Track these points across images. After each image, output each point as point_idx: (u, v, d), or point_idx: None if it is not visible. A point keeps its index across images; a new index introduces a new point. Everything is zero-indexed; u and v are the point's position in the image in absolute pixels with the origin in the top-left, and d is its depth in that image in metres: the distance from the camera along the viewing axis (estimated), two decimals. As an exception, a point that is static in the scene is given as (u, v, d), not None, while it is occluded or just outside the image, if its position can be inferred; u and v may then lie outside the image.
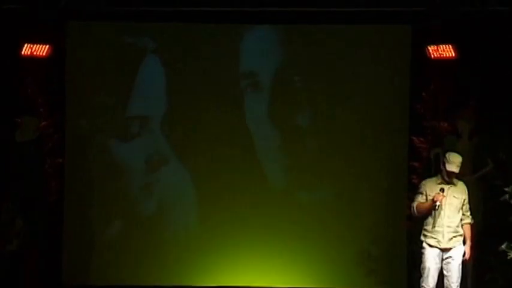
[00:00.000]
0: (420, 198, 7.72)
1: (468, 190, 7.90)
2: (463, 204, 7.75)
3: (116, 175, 9.51)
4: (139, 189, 9.53)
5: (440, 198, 7.50)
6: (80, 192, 9.45)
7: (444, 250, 7.68)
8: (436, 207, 7.54)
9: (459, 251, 7.72)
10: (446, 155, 7.65)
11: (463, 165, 7.83)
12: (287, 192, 9.52)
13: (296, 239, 9.37)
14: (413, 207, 7.73)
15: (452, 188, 7.67)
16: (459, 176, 7.86)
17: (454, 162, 7.56)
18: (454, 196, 7.66)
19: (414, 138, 9.31)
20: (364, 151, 9.48)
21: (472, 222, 7.83)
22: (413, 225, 8.50)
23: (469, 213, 7.81)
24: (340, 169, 9.48)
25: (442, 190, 7.55)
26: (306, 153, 9.52)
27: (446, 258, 7.68)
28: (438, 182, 7.70)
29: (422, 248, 7.73)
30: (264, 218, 9.38)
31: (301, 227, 9.37)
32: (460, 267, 7.69)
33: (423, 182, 7.85)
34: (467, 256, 7.75)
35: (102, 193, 9.48)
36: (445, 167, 7.59)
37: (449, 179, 7.63)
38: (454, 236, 7.68)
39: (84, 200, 9.44)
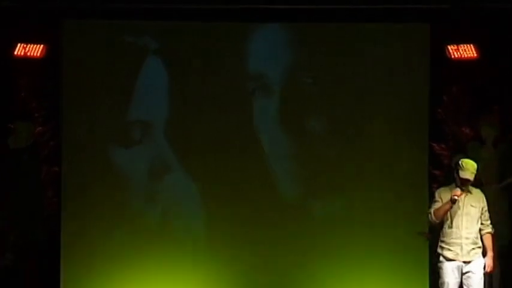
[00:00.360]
0: (436, 206, 7.46)
1: (493, 200, 7.72)
2: (481, 213, 7.48)
3: (116, 184, 9.31)
4: (142, 199, 9.33)
5: (459, 193, 7.27)
6: (78, 203, 9.23)
7: (463, 263, 7.42)
8: (455, 202, 7.29)
9: (479, 264, 7.45)
10: (460, 162, 7.39)
11: (487, 174, 7.90)
12: (299, 202, 9.28)
13: (308, 252, 9.15)
14: (430, 214, 7.46)
15: (469, 196, 7.42)
16: (486, 186, 7.83)
17: (468, 169, 7.30)
18: (471, 205, 7.41)
19: (435, 144, 9.13)
20: (381, 158, 9.24)
21: (493, 231, 7.54)
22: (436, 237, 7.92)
23: (489, 222, 7.52)
24: (355, 178, 9.24)
25: (461, 189, 7.32)
26: (319, 161, 9.29)
27: (467, 272, 7.41)
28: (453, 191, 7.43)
29: (440, 262, 7.49)
30: (275, 229, 9.16)
31: (314, 240, 9.16)
32: (482, 281, 7.45)
33: (437, 190, 7.65)
34: (488, 268, 7.49)
35: (102, 203, 9.25)
36: (458, 175, 7.34)
37: (464, 187, 7.34)
38: (473, 248, 7.42)
39: (82, 211, 9.22)
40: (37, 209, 9.03)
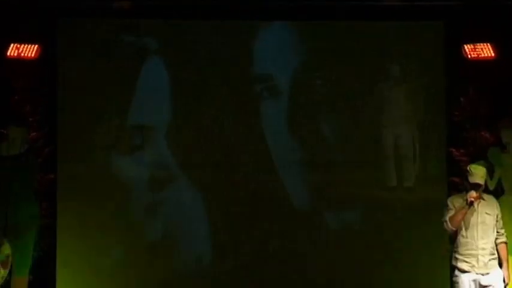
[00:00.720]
0: (451, 213, 7.36)
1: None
2: (496, 221, 7.39)
3: (115, 193, 9.07)
4: (143, 210, 9.07)
5: (474, 195, 7.20)
6: (75, 213, 8.98)
7: (481, 275, 7.30)
8: (472, 204, 7.23)
9: (498, 276, 7.35)
10: (468, 167, 7.39)
11: (508, 182, 7.81)
12: (310, 213, 9.06)
13: (322, 267, 8.94)
14: (446, 222, 7.32)
15: (482, 203, 7.33)
16: (507, 195, 7.88)
17: (477, 174, 7.27)
18: (486, 213, 7.32)
19: (453, 150, 8.97)
20: (397, 165, 9.10)
21: (507, 241, 7.48)
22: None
23: (503, 230, 7.44)
24: (370, 186, 9.04)
25: (475, 190, 7.25)
26: (331, 168, 9.07)
27: (487, 286, 7.29)
28: (465, 197, 7.37)
29: (455, 275, 7.39)
30: (285, 241, 8.96)
31: (328, 254, 8.94)
32: (504, 293, 7.38)
33: (449, 199, 7.55)
34: (507, 280, 7.40)
35: (100, 214, 9.01)
36: (468, 181, 7.29)
37: (477, 192, 7.27)
38: (490, 259, 7.32)
39: (79, 223, 8.97)
40: (31, 221, 8.61)
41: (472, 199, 7.14)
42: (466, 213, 7.17)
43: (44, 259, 8.84)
